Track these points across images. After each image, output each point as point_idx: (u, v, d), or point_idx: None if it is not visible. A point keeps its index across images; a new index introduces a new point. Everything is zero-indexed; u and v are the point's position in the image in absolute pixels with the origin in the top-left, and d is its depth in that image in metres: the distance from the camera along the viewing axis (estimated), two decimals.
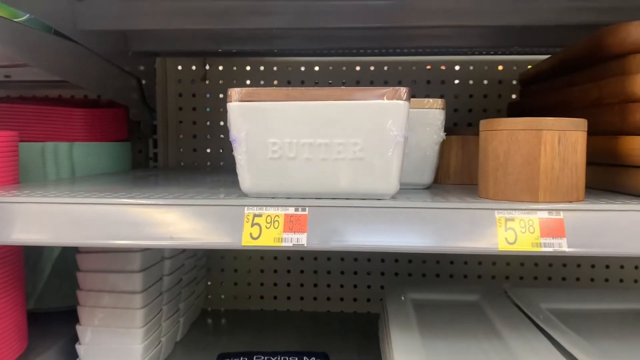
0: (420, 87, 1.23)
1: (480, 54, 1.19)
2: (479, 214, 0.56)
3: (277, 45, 1.16)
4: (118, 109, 1.13)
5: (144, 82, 1.20)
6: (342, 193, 0.59)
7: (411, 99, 0.71)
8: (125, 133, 1.16)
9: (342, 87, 0.58)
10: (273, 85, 1.26)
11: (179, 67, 1.27)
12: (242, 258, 1.29)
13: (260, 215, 0.57)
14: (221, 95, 1.27)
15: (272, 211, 0.57)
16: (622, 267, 1.17)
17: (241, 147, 0.59)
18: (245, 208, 0.57)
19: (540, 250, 0.54)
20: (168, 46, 1.17)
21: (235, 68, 1.26)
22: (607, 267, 1.17)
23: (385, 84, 1.24)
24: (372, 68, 1.24)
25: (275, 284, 1.28)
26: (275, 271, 1.28)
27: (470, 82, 1.21)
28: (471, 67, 1.21)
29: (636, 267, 1.17)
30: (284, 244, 0.56)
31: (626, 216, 0.55)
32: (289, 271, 1.28)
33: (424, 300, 0.99)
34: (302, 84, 1.25)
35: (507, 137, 0.59)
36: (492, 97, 1.21)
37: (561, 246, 0.54)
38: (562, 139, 0.57)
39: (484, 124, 0.62)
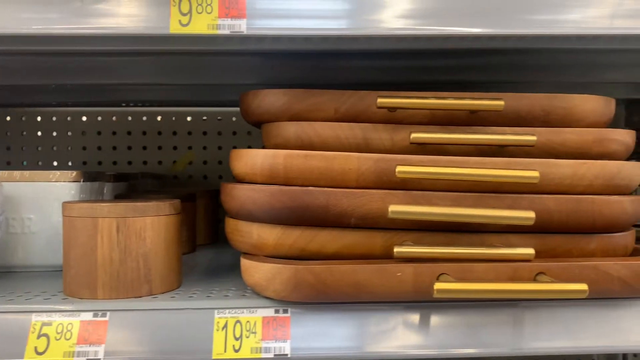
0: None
1: None
2: (13, 319, 0.48)
3: (67, 97, 1.08)
4: None
5: None
6: None
7: (35, 171, 0.65)
8: None
9: None
10: (67, 136, 1.16)
11: None
12: None
13: None
14: (8, 147, 1.15)
15: None
16: None
17: None
18: None
19: None
20: None
21: (24, 119, 1.16)
22: None
23: (174, 134, 1.18)
24: (159, 118, 1.18)
25: None
26: None
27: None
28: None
29: None
30: None
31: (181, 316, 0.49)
32: None
33: None
34: (99, 135, 1.17)
35: (68, 224, 0.52)
36: None
37: (97, 355, 0.47)
38: (122, 227, 0.51)
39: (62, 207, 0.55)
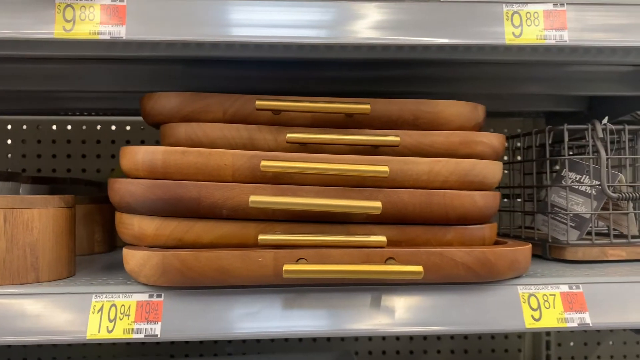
0: None
1: None
2: None
3: (7, 105, 1.11)
4: None
5: None
6: None
7: None
8: None
9: None
10: (7, 144, 1.18)
11: None
12: None
13: None
14: None
15: None
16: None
17: None
18: None
19: None
20: None
21: None
22: None
23: (113, 143, 1.21)
24: (98, 127, 1.21)
25: None
26: None
27: None
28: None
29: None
30: None
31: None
32: None
33: None
34: (39, 143, 1.20)
35: None
36: None
37: None
38: (9, 218, 0.54)
39: None
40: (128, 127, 1.22)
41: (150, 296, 0.53)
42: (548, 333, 1.24)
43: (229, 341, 1.21)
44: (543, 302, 0.55)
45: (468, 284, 0.56)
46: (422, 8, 0.58)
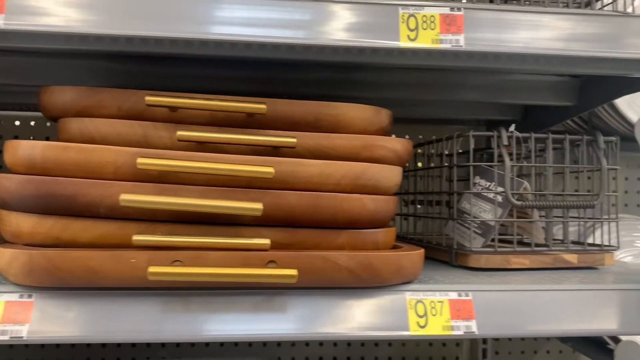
0: None
1: None
2: None
3: None
4: None
5: None
6: None
7: None
8: None
9: None
10: None
11: None
12: None
13: None
14: None
15: None
16: None
17: None
18: None
19: None
20: None
21: None
22: None
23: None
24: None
25: None
26: None
27: None
28: None
29: None
30: None
31: None
32: None
33: None
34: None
35: None
36: None
37: None
38: None
39: None
40: (32, 123, 1.17)
41: (21, 296, 0.51)
42: (484, 341, 1.24)
43: (163, 344, 1.18)
44: (430, 309, 0.55)
45: (356, 288, 0.55)
46: (309, 7, 0.57)
